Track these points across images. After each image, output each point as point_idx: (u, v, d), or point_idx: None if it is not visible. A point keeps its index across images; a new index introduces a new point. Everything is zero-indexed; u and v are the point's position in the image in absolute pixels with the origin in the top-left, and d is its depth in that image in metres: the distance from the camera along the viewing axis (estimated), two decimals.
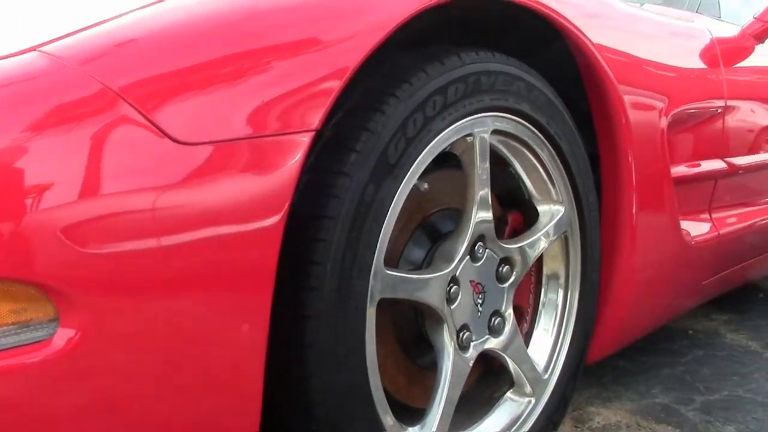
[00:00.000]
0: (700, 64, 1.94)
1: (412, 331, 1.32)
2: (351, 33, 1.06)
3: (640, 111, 1.58)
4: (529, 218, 1.46)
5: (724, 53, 2.05)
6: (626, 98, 1.50)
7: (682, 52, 1.89)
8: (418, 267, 1.29)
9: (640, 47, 1.65)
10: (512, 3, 1.25)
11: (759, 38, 2.27)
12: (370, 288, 1.09)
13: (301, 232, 1.04)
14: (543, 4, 1.31)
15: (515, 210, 1.47)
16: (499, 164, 1.40)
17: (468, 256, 1.28)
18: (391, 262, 1.25)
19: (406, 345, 1.33)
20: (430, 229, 1.34)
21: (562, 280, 1.49)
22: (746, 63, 2.22)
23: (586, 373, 1.95)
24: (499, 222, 1.44)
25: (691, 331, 2.59)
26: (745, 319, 2.80)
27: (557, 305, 1.49)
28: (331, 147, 1.08)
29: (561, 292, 1.49)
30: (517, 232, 1.45)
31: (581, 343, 1.53)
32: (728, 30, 2.25)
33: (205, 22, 0.97)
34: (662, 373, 2.15)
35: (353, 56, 1.04)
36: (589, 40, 1.41)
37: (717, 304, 2.74)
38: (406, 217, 1.28)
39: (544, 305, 1.49)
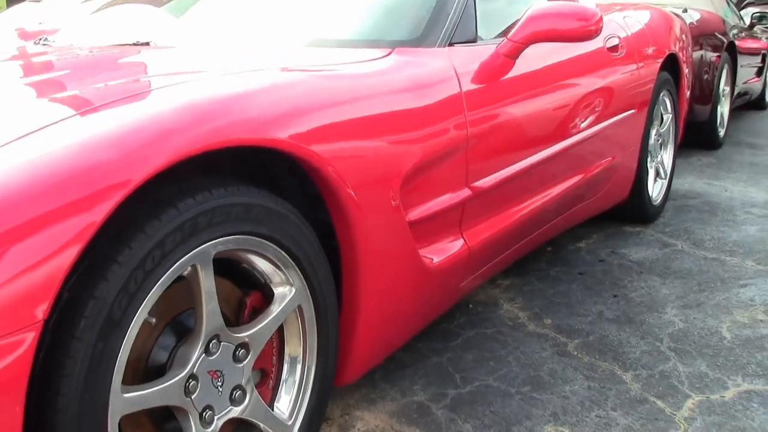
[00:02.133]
0: (435, 100, 2.16)
1: (163, 410, 1.60)
2: (79, 206, 1.27)
3: (360, 173, 1.83)
4: (268, 296, 1.75)
5: (468, 80, 2.31)
6: (340, 169, 1.74)
7: (412, 97, 2.09)
8: (163, 368, 1.57)
9: (350, 112, 1.86)
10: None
11: (511, 56, 2.53)
12: (109, 415, 1.37)
13: (47, 387, 1.31)
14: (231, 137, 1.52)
15: (256, 290, 1.75)
16: (237, 258, 1.68)
17: (204, 355, 1.57)
18: (138, 367, 1.54)
19: (159, 421, 1.61)
20: (179, 327, 1.61)
21: (300, 353, 1.80)
22: (498, 82, 2.48)
23: None
24: (239, 305, 1.73)
25: (471, 305, 2.96)
26: (525, 284, 3.19)
27: (296, 378, 1.81)
28: (67, 310, 1.32)
29: (300, 366, 1.81)
30: (258, 310, 1.74)
31: (322, 391, 1.86)
32: (483, 52, 2.51)
33: None
34: (430, 362, 2.51)
35: (81, 232, 1.26)
36: (277, 138, 1.63)
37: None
38: (148, 330, 1.55)
39: (285, 381, 1.81)
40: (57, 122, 1.44)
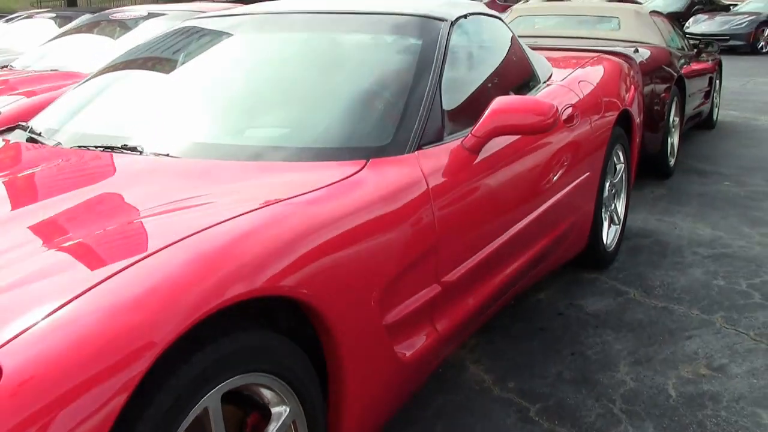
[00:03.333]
0: (404, 204, 2.38)
1: None
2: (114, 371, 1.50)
3: (341, 294, 2.06)
4: (265, 414, 1.98)
5: (435, 179, 2.54)
6: (322, 296, 1.98)
7: (383, 206, 2.30)
8: None
9: (330, 233, 2.07)
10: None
11: (475, 150, 2.77)
12: None
13: None
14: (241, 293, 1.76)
15: (255, 410, 1.98)
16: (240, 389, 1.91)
17: None
18: None
19: None
20: None
21: None
22: (463, 173, 2.71)
23: None
24: (240, 424, 1.96)
25: (440, 369, 3.20)
26: (489, 342, 3.44)
27: None
28: None
29: None
30: (257, 427, 1.97)
31: None
32: (449, 149, 2.74)
33: None
34: None
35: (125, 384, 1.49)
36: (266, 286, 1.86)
37: None
38: None
39: None
40: (83, 293, 1.62)
